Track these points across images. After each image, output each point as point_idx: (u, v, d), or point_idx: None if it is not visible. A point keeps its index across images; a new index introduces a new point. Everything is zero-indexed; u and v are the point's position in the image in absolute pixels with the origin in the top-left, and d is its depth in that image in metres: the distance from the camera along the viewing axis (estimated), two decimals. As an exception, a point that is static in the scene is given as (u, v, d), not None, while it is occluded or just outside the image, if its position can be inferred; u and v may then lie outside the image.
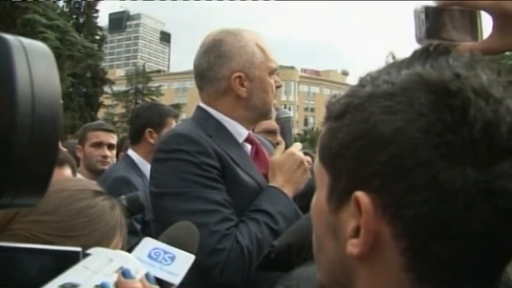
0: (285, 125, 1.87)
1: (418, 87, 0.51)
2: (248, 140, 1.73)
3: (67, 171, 1.99)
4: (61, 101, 0.49)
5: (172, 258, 0.78)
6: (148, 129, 2.93)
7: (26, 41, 0.49)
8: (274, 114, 1.76)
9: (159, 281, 0.76)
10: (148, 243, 0.80)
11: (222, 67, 1.65)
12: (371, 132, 0.52)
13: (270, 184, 1.63)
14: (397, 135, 0.50)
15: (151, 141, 2.88)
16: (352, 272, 0.57)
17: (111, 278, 0.63)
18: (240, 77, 1.64)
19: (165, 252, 0.79)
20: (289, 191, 1.62)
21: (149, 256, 0.77)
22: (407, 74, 0.53)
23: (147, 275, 0.68)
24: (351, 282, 0.57)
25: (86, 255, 0.66)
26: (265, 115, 1.74)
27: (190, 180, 1.51)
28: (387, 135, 0.51)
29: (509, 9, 0.77)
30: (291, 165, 1.66)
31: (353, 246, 0.54)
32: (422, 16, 0.83)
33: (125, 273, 0.64)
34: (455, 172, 0.48)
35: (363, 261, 0.55)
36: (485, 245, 0.50)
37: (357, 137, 0.53)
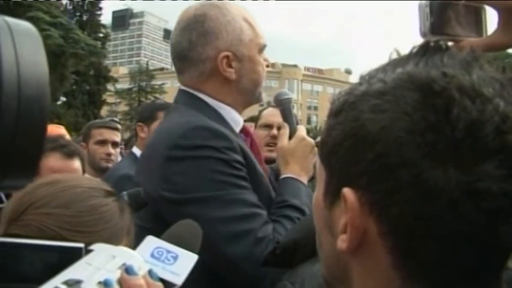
0: (286, 107, 1.65)
1: (405, 86, 0.51)
2: (242, 129, 1.54)
3: (76, 164, 1.97)
4: (48, 81, 0.48)
5: (175, 258, 0.77)
6: (139, 124, 2.97)
7: (12, 20, 0.48)
8: (263, 96, 1.58)
9: (161, 281, 0.75)
10: (151, 242, 0.79)
11: (207, 46, 1.42)
12: (360, 130, 0.53)
13: (287, 174, 1.49)
14: (383, 134, 0.51)
15: (142, 135, 2.91)
16: (347, 268, 0.57)
17: (114, 275, 0.62)
18: (227, 56, 1.42)
19: (168, 252, 0.78)
20: (304, 179, 1.51)
21: (152, 255, 0.76)
22: (400, 73, 0.53)
23: (150, 272, 0.67)
24: (347, 277, 0.58)
25: (88, 251, 0.66)
26: (256, 99, 1.55)
27: (223, 181, 1.29)
28: (373, 134, 0.51)
29: None
30: (304, 150, 1.53)
31: (342, 242, 0.55)
32: (427, 10, 0.82)
33: (128, 270, 0.64)
34: (438, 172, 0.48)
35: (354, 258, 0.56)
36: (472, 245, 0.49)
37: (348, 135, 0.54)
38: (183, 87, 1.50)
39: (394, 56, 0.58)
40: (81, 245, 0.67)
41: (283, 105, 1.65)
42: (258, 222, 1.29)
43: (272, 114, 2.65)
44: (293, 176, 1.49)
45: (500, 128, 0.48)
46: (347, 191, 0.53)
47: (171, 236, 0.83)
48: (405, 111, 0.50)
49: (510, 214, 0.48)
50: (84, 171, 2.03)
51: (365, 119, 0.53)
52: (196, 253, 0.81)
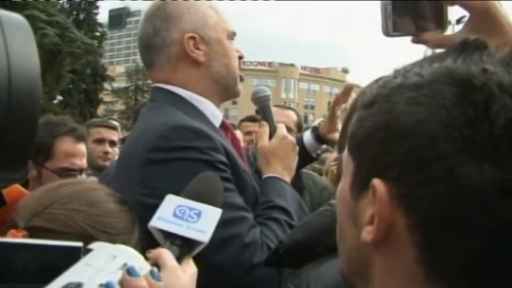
0: (264, 104, 1.58)
1: (444, 81, 0.51)
2: (222, 125, 1.46)
3: (84, 147, 2.04)
4: (39, 74, 0.47)
5: (199, 215, 0.74)
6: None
7: (3, 12, 0.47)
8: (241, 89, 1.51)
9: (187, 240, 0.73)
10: (172, 201, 0.76)
11: (170, 29, 1.38)
12: (394, 122, 0.52)
13: (270, 174, 1.45)
14: (418, 127, 0.50)
15: None
16: (369, 261, 0.57)
17: (116, 276, 0.61)
18: (193, 38, 1.38)
19: (190, 209, 0.74)
20: (287, 178, 1.46)
21: (174, 215, 0.73)
22: (437, 67, 0.53)
23: (151, 272, 0.65)
24: (367, 272, 0.57)
25: (87, 250, 0.64)
26: (231, 88, 1.46)
27: None
28: (408, 126, 0.51)
29: (492, 9, 0.78)
30: (286, 149, 1.49)
31: (367, 233, 0.54)
32: (389, 8, 0.82)
33: (129, 271, 0.62)
34: (473, 168, 0.47)
35: (378, 250, 0.55)
36: (501, 244, 0.49)
37: (381, 127, 0.54)
38: (156, 84, 1.45)
39: (429, 53, 0.58)
40: (80, 244, 0.64)
41: (261, 103, 1.59)
42: (245, 227, 1.23)
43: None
44: (277, 175, 1.44)
45: None
46: (377, 182, 0.53)
47: (192, 193, 0.79)
48: (443, 105, 0.50)
49: None
50: None
51: (400, 111, 0.52)
52: (219, 207, 0.79)
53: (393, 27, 0.82)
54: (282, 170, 1.46)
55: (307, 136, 1.90)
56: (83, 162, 2.05)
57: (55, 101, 28.58)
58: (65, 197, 0.89)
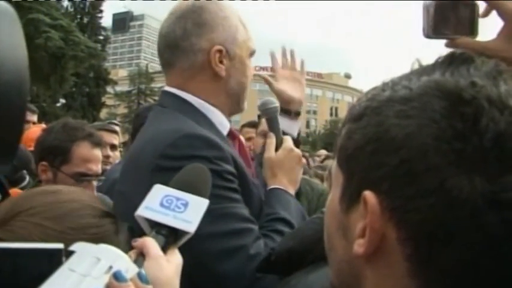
0: (272, 116, 1.58)
1: (433, 94, 0.52)
2: (229, 133, 1.46)
3: (100, 153, 2.06)
4: (27, 65, 0.45)
5: (186, 205, 0.74)
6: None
7: None
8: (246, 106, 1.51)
9: (173, 230, 0.72)
10: (159, 191, 0.75)
11: (201, 37, 1.36)
12: (384, 135, 0.53)
13: (274, 186, 1.45)
14: (409, 140, 0.51)
15: None
16: (360, 274, 0.57)
17: (101, 281, 0.57)
18: (220, 51, 1.37)
19: (178, 199, 0.74)
20: (292, 191, 1.46)
21: (161, 204, 0.73)
22: (426, 81, 0.54)
23: (139, 274, 0.63)
24: (358, 284, 0.57)
25: (69, 252, 0.60)
26: (240, 106, 1.47)
27: (214, 194, 1.14)
28: (399, 140, 0.51)
29: None
30: (291, 162, 1.49)
31: (359, 246, 0.54)
32: (432, 10, 0.82)
33: (116, 276, 0.59)
34: (463, 180, 0.48)
35: (369, 263, 0.55)
36: (492, 256, 0.49)
37: (371, 140, 0.54)
38: (167, 88, 1.44)
39: (416, 66, 0.58)
40: (60, 246, 0.61)
41: (269, 114, 1.58)
42: (250, 238, 1.23)
43: None
44: (282, 187, 1.44)
45: None
46: (368, 194, 0.53)
47: (179, 183, 0.79)
48: (432, 118, 0.50)
49: None
50: None
51: (390, 124, 0.53)
52: (206, 198, 0.78)
53: (434, 29, 0.82)
54: (287, 182, 1.46)
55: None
56: (98, 167, 2.06)
57: (58, 104, 28.64)
58: (35, 207, 0.87)
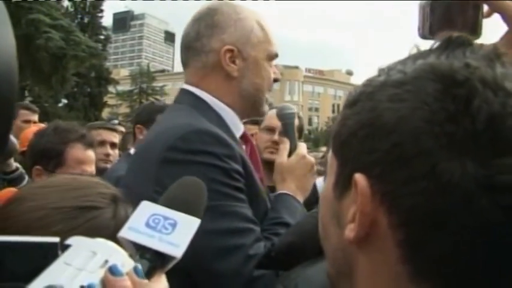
0: (289, 122, 1.60)
1: (427, 77, 0.51)
2: (242, 136, 1.48)
3: (93, 153, 2.05)
4: (15, 54, 0.44)
5: (174, 225, 0.68)
6: (138, 126, 2.95)
7: None
8: (267, 110, 1.53)
9: (159, 254, 0.67)
10: (146, 209, 0.69)
11: (212, 38, 1.40)
12: (377, 120, 0.52)
13: (283, 191, 1.45)
14: (401, 123, 0.50)
15: (141, 137, 2.89)
16: (353, 261, 0.56)
17: (97, 275, 0.56)
18: (231, 51, 1.39)
19: (165, 218, 0.68)
20: (300, 198, 1.45)
21: (147, 224, 0.67)
22: (421, 64, 0.53)
23: (135, 268, 0.60)
24: (352, 272, 0.56)
25: (65, 246, 0.59)
26: (256, 108, 1.47)
27: (219, 191, 1.21)
28: (391, 124, 0.50)
29: None
30: (303, 169, 1.48)
31: (350, 231, 0.54)
32: (428, 10, 0.81)
33: (112, 270, 0.57)
34: (455, 164, 0.47)
35: (361, 250, 0.54)
36: (486, 242, 0.48)
37: (364, 125, 0.53)
38: (184, 86, 1.46)
39: (414, 51, 0.57)
40: (56, 239, 0.59)
41: (285, 120, 1.61)
42: (250, 238, 1.22)
43: (275, 117, 2.62)
44: (290, 193, 1.44)
45: None
46: (358, 176, 0.52)
47: (169, 199, 0.73)
48: (425, 101, 0.49)
49: None
50: None
51: (383, 108, 0.52)
52: (199, 216, 0.71)
53: (429, 29, 0.81)
54: (295, 188, 1.45)
55: (321, 182, 1.88)
56: (92, 168, 2.07)
57: (60, 104, 28.69)
58: (4, 219, 0.84)
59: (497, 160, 0.46)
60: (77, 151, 1.96)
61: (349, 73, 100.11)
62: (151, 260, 0.66)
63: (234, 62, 1.39)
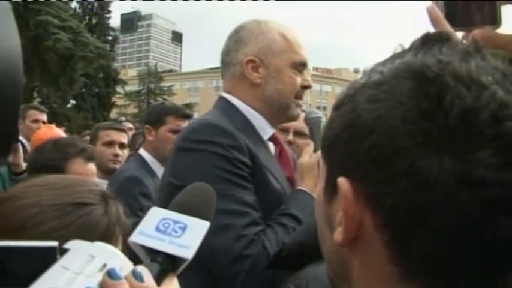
0: (314, 125, 1.75)
1: (402, 76, 0.51)
2: (272, 138, 1.64)
3: (93, 166, 2.04)
4: (20, 54, 0.44)
5: (184, 228, 0.69)
6: (147, 126, 2.94)
7: None
8: (298, 114, 1.65)
9: (170, 256, 0.67)
10: (156, 214, 0.70)
11: (238, 52, 1.60)
12: (356, 121, 0.52)
13: (299, 187, 1.56)
14: (378, 123, 0.50)
15: (150, 138, 2.88)
16: (347, 263, 0.56)
17: (95, 279, 0.55)
18: (253, 61, 1.56)
19: (175, 222, 0.69)
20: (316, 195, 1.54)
21: (157, 229, 0.68)
22: (398, 63, 0.53)
23: (134, 272, 0.59)
24: (347, 274, 0.57)
25: (63, 250, 0.58)
26: (283, 111, 1.60)
27: (220, 176, 1.38)
28: (369, 124, 0.51)
29: None
30: None
31: (338, 234, 0.54)
32: (441, 3, 0.80)
33: (110, 274, 0.56)
34: (433, 161, 0.46)
35: (353, 252, 0.54)
36: (470, 238, 0.47)
37: (346, 127, 0.53)
38: (222, 94, 1.66)
39: (399, 50, 0.57)
40: (55, 243, 0.58)
41: (311, 124, 1.76)
42: (243, 220, 1.35)
43: None
44: (305, 189, 1.54)
45: (497, 115, 0.46)
46: (341, 180, 0.52)
47: (179, 204, 0.74)
48: (400, 100, 0.49)
49: (509, 205, 0.46)
50: None
51: (361, 109, 0.52)
52: (209, 219, 0.73)
53: (446, 21, 0.80)
54: (312, 185, 1.54)
55: None
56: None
57: (68, 105, 28.87)
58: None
59: (473, 155, 0.46)
60: (78, 166, 1.94)
61: (357, 71, 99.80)
62: (162, 263, 0.66)
63: (257, 71, 1.57)
